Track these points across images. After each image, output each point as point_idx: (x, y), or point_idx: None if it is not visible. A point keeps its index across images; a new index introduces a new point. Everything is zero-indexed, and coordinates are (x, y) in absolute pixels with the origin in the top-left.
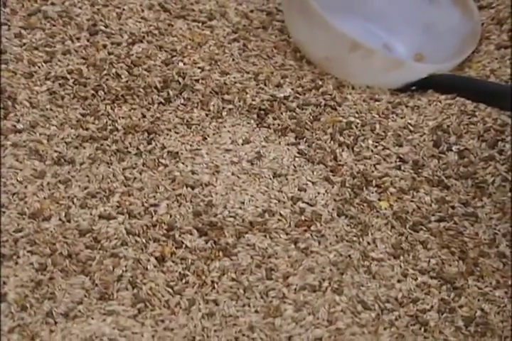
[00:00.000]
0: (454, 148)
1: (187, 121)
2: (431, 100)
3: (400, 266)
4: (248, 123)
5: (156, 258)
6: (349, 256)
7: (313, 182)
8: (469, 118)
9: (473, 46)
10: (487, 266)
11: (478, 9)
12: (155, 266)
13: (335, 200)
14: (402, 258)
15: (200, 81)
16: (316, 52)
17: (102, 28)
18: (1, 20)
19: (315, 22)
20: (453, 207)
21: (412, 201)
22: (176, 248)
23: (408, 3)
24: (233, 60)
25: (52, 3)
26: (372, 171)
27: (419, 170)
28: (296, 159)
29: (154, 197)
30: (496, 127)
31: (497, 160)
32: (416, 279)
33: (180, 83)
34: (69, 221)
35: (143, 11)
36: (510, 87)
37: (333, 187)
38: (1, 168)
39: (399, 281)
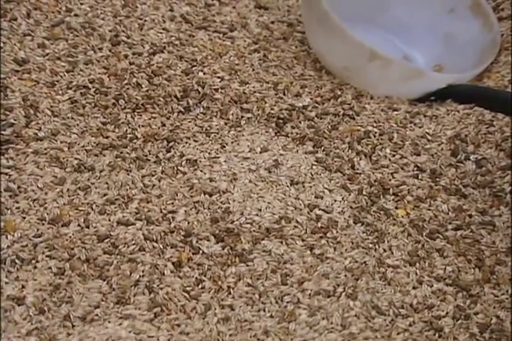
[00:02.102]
0: (471, 157)
1: (206, 129)
2: (449, 110)
3: (416, 273)
4: (266, 131)
5: (173, 263)
6: (364, 262)
7: (330, 190)
8: (487, 127)
9: (493, 57)
10: (503, 274)
11: (497, 20)
12: (172, 272)
13: (351, 208)
14: (418, 265)
15: (220, 90)
16: (335, 62)
17: (124, 38)
18: (24, 31)
19: (334, 32)
20: (470, 216)
21: (429, 209)
22: (192, 254)
23: (428, 14)
24: (253, 70)
25: (76, 15)
26: (390, 179)
27: (437, 179)
28: (314, 167)
29: (172, 203)
30: None
31: None
32: (431, 286)
33: (199, 92)
34: (88, 227)
35: (164, 22)
36: None
37: (349, 194)
38: (22, 175)
39: (414, 288)
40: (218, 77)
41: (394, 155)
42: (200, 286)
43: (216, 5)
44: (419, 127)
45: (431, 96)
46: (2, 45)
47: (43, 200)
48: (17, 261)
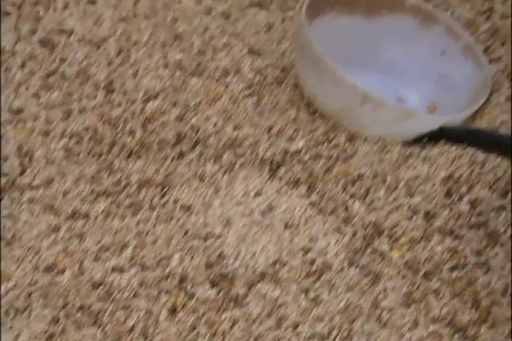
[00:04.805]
0: (465, 197)
1: (200, 174)
2: (442, 151)
3: (412, 315)
4: (260, 175)
5: (168, 309)
6: (360, 304)
7: (324, 233)
8: (480, 168)
9: (484, 98)
10: (500, 314)
11: (488, 62)
12: (167, 317)
13: (346, 250)
14: (413, 306)
15: (213, 135)
16: (329, 105)
17: (118, 86)
18: (19, 80)
19: (326, 76)
20: (465, 257)
21: (424, 250)
22: (187, 299)
23: (421, 55)
24: (247, 114)
25: (70, 64)
26: (384, 221)
27: (431, 220)
28: (308, 210)
29: (167, 249)
30: (506, 177)
31: (508, 210)
32: (428, 328)
33: (193, 138)
34: (82, 273)
35: (158, 68)
36: None
37: (344, 237)
38: (17, 223)
39: (410, 330)
40: (212, 123)
41: (388, 197)
42: (195, 332)
43: (209, 51)
44: (413, 168)
45: (424, 137)
46: None
47: (38, 248)
48: (12, 310)
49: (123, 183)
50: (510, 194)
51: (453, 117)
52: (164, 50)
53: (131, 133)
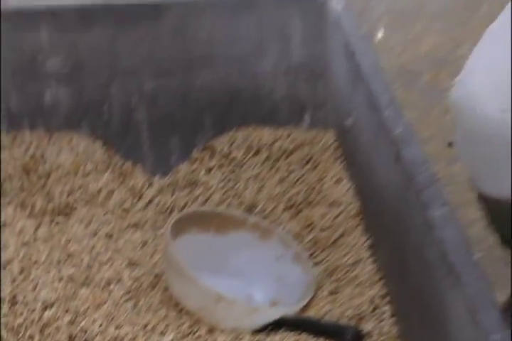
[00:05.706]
0: None
1: None
2: (283, 337)
3: None
4: None
5: None
6: None
7: None
8: None
9: (312, 293)
10: None
11: (313, 265)
12: None
13: None
14: None
15: (99, 335)
16: (191, 304)
17: (21, 298)
18: None
19: (187, 281)
20: None
21: None
22: None
23: (262, 261)
24: (127, 315)
25: None
26: None
27: None
28: None
29: None
30: None
31: None
32: None
33: (82, 338)
34: None
35: (54, 282)
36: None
37: None
38: None
39: None
40: (98, 324)
41: None
42: None
43: (96, 265)
44: None
45: (268, 326)
46: None
47: None
48: None
49: None
50: None
51: (289, 309)
52: (59, 266)
53: (31, 337)
